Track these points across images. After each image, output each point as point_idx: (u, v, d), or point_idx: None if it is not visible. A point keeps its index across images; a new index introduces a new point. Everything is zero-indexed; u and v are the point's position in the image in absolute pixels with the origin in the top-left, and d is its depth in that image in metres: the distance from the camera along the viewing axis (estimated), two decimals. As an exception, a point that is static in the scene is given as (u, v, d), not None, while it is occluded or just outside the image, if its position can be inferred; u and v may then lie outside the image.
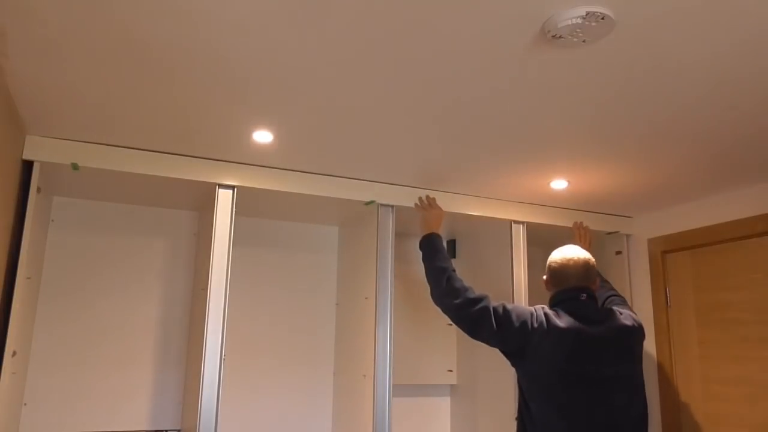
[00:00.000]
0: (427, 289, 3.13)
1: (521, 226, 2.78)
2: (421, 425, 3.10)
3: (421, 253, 2.31)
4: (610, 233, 3.00)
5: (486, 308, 1.98)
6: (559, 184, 2.51)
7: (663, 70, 1.52)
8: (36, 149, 2.05)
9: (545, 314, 1.97)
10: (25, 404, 2.38)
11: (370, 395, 2.41)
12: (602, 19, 1.27)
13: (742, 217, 2.47)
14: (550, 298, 2.10)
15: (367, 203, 2.53)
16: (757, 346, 2.39)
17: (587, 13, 1.25)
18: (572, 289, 2.03)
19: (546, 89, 1.64)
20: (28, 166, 2.07)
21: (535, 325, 1.93)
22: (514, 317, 1.96)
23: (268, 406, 2.79)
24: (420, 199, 2.53)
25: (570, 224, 2.88)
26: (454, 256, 3.27)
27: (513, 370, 2.62)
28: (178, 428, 2.60)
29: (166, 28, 1.36)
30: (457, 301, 2.03)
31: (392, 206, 2.57)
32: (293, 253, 2.98)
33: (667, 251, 2.83)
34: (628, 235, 3.03)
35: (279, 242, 2.96)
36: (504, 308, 1.99)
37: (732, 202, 2.52)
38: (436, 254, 2.23)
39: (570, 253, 2.09)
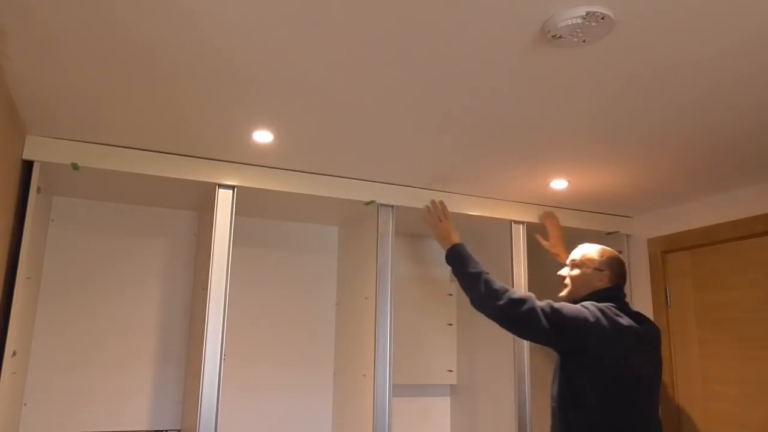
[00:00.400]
0: (427, 289, 3.16)
1: (521, 226, 2.78)
2: (421, 425, 3.10)
3: (450, 267, 2.23)
4: (610, 233, 3.00)
5: (533, 308, 1.90)
6: (559, 184, 2.51)
7: (663, 70, 1.52)
8: (36, 149, 2.05)
9: (600, 310, 1.93)
10: (25, 404, 2.39)
11: (370, 395, 2.41)
12: (602, 19, 1.27)
13: (741, 217, 2.47)
14: (593, 291, 2.05)
15: (367, 203, 2.53)
16: (757, 346, 2.39)
17: (587, 13, 1.25)
18: (619, 287, 2.08)
19: (546, 89, 1.64)
20: (28, 166, 2.07)
21: (591, 320, 1.89)
22: (565, 314, 1.90)
23: (268, 406, 2.79)
24: (431, 204, 2.46)
25: (570, 224, 2.87)
26: (454, 256, 3.27)
27: (513, 370, 2.64)
28: (178, 428, 2.60)
29: (166, 27, 1.36)
30: (501, 303, 1.94)
31: (392, 206, 2.57)
32: (293, 253, 2.98)
33: (667, 251, 2.83)
34: (628, 235, 3.03)
35: (279, 242, 2.96)
36: (551, 307, 1.91)
37: (731, 202, 2.52)
38: (466, 262, 2.14)
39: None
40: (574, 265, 2.14)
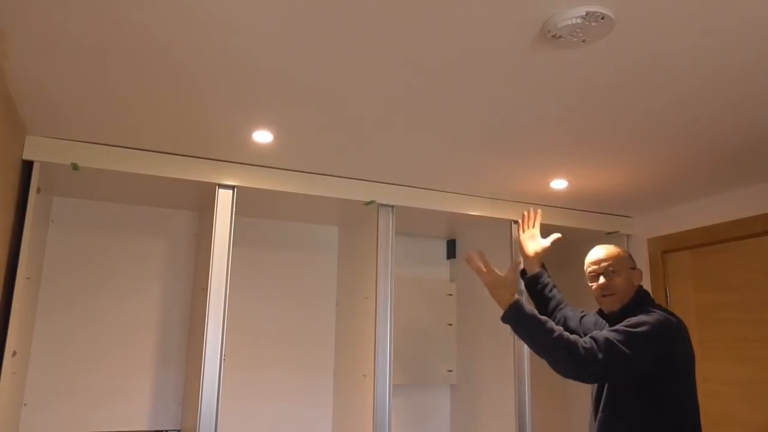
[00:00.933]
0: (427, 289, 3.16)
1: (521, 226, 2.77)
2: (421, 425, 3.10)
3: (508, 326, 1.85)
4: (610, 233, 3.00)
5: (608, 341, 1.67)
6: (559, 184, 2.51)
7: (663, 70, 1.52)
8: (36, 149, 2.05)
9: (660, 310, 1.81)
10: (25, 404, 2.38)
11: (370, 395, 2.41)
12: (602, 19, 1.27)
13: (741, 217, 2.47)
14: (635, 292, 1.89)
15: (367, 203, 2.53)
16: (757, 346, 2.39)
17: (587, 13, 1.25)
18: None
19: (546, 89, 1.64)
20: (28, 166, 2.07)
21: (662, 318, 1.75)
22: (639, 331, 1.69)
23: (268, 406, 2.79)
24: (476, 256, 1.97)
25: (571, 224, 2.88)
26: (454, 256, 3.28)
27: (513, 370, 2.64)
28: (178, 428, 2.60)
29: (166, 28, 1.36)
30: (592, 365, 1.65)
31: (392, 206, 2.57)
32: (293, 253, 2.98)
33: (667, 251, 2.83)
34: (628, 235, 3.03)
35: (279, 242, 2.96)
36: (619, 331, 1.70)
37: (732, 202, 2.52)
38: (526, 323, 1.77)
39: None
40: (612, 270, 1.90)
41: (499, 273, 1.89)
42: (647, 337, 1.69)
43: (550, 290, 2.28)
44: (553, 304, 2.26)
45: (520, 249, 2.42)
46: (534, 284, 2.32)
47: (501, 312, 1.85)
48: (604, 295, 1.92)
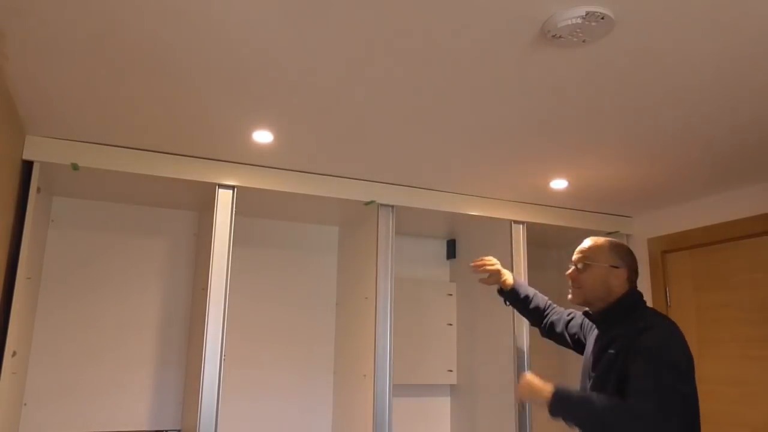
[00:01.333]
0: (427, 289, 3.16)
1: (521, 226, 2.78)
2: (421, 425, 3.10)
3: (559, 417, 1.67)
4: (610, 233, 3.00)
5: (655, 383, 1.52)
6: (559, 184, 2.51)
7: (663, 70, 1.52)
8: (36, 149, 2.05)
9: (657, 315, 1.72)
10: (25, 404, 2.39)
11: (370, 395, 2.41)
12: (602, 19, 1.27)
13: (741, 217, 2.47)
14: (621, 296, 1.73)
15: (367, 203, 2.53)
16: (757, 345, 2.39)
17: (587, 13, 1.25)
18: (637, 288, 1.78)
19: (546, 89, 1.64)
20: (28, 166, 2.07)
21: (671, 327, 1.65)
22: (667, 360, 1.57)
23: (268, 406, 2.80)
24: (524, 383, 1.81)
25: (571, 224, 2.88)
26: (454, 256, 3.28)
27: (513, 370, 2.64)
28: (178, 428, 2.60)
29: (166, 28, 1.36)
30: (647, 411, 1.51)
31: (392, 206, 2.57)
32: (293, 253, 2.98)
33: (667, 251, 2.83)
34: (628, 235, 3.03)
35: (279, 242, 2.96)
36: (656, 365, 1.55)
37: (732, 202, 2.52)
38: (571, 403, 1.65)
39: None
40: (584, 261, 1.77)
41: (529, 381, 1.77)
42: (677, 358, 1.58)
43: (531, 301, 2.21)
44: (537, 313, 2.21)
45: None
46: (514, 298, 2.25)
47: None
48: (571, 285, 1.81)
